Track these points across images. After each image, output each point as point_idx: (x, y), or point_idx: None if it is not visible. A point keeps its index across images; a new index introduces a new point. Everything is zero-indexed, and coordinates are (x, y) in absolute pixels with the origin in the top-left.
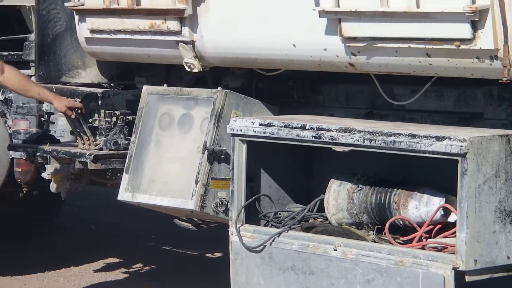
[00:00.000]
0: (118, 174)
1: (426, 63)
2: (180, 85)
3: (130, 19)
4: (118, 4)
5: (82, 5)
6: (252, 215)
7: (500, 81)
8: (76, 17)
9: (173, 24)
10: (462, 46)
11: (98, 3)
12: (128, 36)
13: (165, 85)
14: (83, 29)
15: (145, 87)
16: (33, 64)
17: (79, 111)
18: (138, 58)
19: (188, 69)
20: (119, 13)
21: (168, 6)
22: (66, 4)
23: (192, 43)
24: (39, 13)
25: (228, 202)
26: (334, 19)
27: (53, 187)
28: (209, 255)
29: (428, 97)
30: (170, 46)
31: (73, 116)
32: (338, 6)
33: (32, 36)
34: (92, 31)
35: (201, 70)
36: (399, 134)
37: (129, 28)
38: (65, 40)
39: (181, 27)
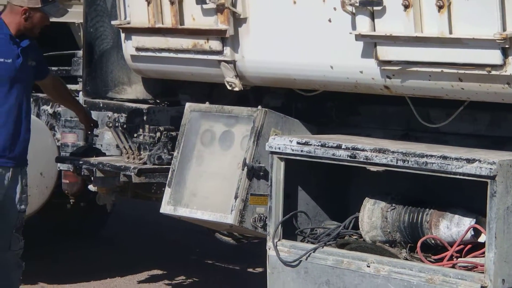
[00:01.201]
0: (162, 188)
1: (459, 88)
2: (222, 103)
3: (174, 38)
4: (162, 24)
5: (128, 23)
6: (289, 231)
7: None
8: (122, 35)
9: (215, 44)
10: (493, 72)
11: (144, 22)
12: (172, 55)
13: (207, 102)
14: (128, 47)
15: (187, 104)
16: (81, 80)
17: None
18: (182, 76)
19: (229, 88)
20: (163, 32)
21: (210, 27)
22: (112, 22)
23: (233, 62)
24: (87, 30)
25: (266, 217)
26: (370, 43)
27: (99, 199)
28: (250, 269)
29: (461, 121)
30: (212, 65)
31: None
32: (374, 30)
33: (80, 52)
34: (137, 49)
35: (242, 89)
36: (431, 156)
37: (173, 46)
38: (111, 56)
39: (223, 47)
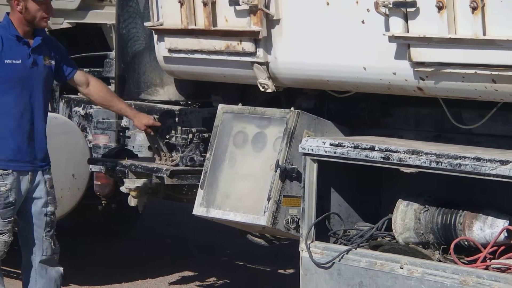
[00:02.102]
0: (194, 190)
1: (492, 89)
2: (255, 105)
3: (206, 39)
4: (195, 25)
5: (161, 25)
6: (322, 232)
7: None
8: (155, 37)
9: (248, 46)
10: None
11: (176, 23)
12: (204, 56)
13: (240, 104)
14: (161, 48)
15: (220, 106)
16: (113, 81)
17: (158, 129)
18: (214, 77)
19: (262, 89)
20: (196, 34)
21: (243, 28)
22: (145, 24)
23: (266, 64)
24: (120, 31)
25: (299, 219)
26: (403, 44)
27: (130, 200)
28: (281, 271)
29: (494, 122)
30: (245, 66)
31: (152, 134)
32: (408, 32)
33: (112, 54)
34: (170, 50)
35: (275, 90)
36: (465, 157)
37: (206, 48)
38: (144, 58)
39: (256, 49)
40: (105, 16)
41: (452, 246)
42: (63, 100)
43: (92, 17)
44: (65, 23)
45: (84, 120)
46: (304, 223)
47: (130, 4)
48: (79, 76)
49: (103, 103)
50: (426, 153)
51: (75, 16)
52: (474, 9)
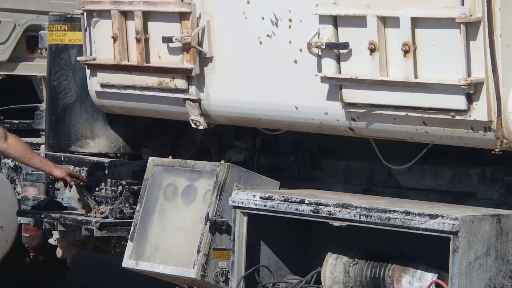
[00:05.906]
0: (122, 242)
1: (423, 131)
2: (185, 158)
3: (139, 75)
4: (128, 61)
5: (94, 59)
6: (252, 285)
7: (492, 152)
8: (88, 71)
9: (180, 83)
10: (457, 117)
11: (109, 58)
12: (137, 92)
13: (170, 157)
14: (93, 83)
15: (151, 159)
16: (43, 133)
17: (80, 182)
18: (146, 113)
19: (194, 126)
20: (129, 69)
21: (176, 65)
22: (78, 58)
23: (198, 101)
24: (51, 83)
25: (228, 272)
26: (336, 85)
27: (59, 252)
28: None
29: (423, 176)
30: (177, 103)
31: (72, 184)
32: (340, 73)
33: (43, 106)
34: (102, 85)
35: (206, 127)
36: (394, 211)
37: (138, 84)
38: (75, 110)
39: (188, 86)
40: (36, 68)
41: None
42: None
43: (23, 69)
44: None
45: (13, 172)
46: (234, 276)
47: (61, 57)
48: None
49: (23, 156)
50: (356, 207)
51: (5, 68)
52: (406, 52)
